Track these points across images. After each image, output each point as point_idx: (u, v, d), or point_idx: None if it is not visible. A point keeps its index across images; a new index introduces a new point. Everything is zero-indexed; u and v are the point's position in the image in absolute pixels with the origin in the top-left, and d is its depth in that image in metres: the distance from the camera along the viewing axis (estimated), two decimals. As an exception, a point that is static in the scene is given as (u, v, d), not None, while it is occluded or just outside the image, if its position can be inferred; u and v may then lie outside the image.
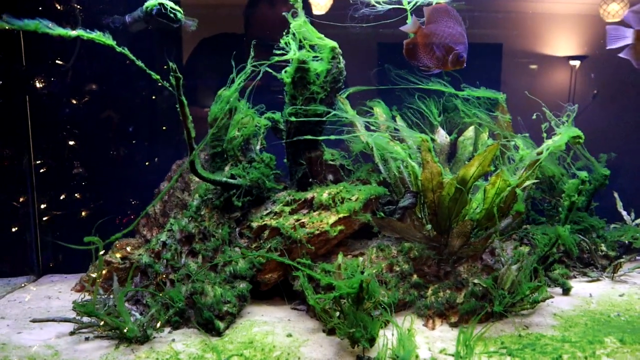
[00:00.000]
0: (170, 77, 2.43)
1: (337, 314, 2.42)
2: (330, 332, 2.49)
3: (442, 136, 3.24)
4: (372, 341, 2.30)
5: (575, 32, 4.40)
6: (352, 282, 2.27)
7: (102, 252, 2.98)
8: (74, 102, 3.62)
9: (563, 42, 4.39)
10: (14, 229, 3.43)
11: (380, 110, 3.22)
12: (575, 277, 3.18)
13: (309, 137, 2.88)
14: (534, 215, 3.45)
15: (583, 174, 2.73)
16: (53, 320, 2.56)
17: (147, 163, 3.76)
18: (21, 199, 3.43)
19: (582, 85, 4.39)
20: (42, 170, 3.49)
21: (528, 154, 2.69)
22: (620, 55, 3.00)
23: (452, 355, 2.33)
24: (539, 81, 4.45)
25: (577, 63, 4.38)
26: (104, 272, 3.07)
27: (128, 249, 3.10)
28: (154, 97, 3.83)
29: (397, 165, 3.04)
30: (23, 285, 3.30)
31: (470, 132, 3.29)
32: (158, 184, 3.47)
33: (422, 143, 2.67)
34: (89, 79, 3.57)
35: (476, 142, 3.28)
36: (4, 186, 3.38)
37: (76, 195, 3.68)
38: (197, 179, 3.25)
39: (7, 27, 2.00)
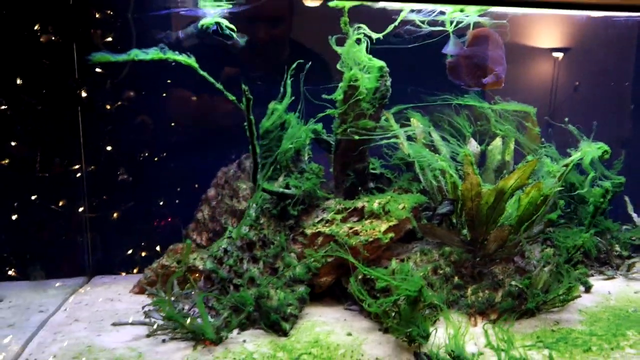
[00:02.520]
0: (243, 99, 2.63)
1: (393, 314, 2.69)
2: (386, 330, 2.76)
3: (473, 146, 3.51)
4: (426, 338, 2.58)
5: (559, 24, 4.55)
6: (413, 286, 2.54)
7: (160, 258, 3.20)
8: (119, 111, 3.78)
9: (546, 34, 4.56)
10: (67, 233, 3.60)
11: (417, 122, 3.46)
12: (593, 276, 3.51)
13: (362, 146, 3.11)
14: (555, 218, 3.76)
15: (607, 184, 3.04)
16: (132, 323, 2.77)
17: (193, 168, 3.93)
18: (73, 204, 3.60)
19: (564, 77, 4.57)
20: (91, 177, 3.66)
21: (558, 169, 2.96)
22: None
23: (497, 350, 2.63)
24: (523, 72, 4.55)
25: (560, 55, 4.53)
26: (159, 276, 3.29)
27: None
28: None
29: (434, 174, 3.29)
30: (80, 287, 3.48)
31: (498, 141, 3.57)
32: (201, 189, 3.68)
33: (465, 157, 2.93)
34: (137, 89, 3.72)
35: (504, 151, 3.56)
36: (57, 192, 3.54)
37: (120, 200, 3.86)
38: (244, 187, 3.48)
39: (109, 60, 2.18)
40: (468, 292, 3.01)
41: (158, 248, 3.88)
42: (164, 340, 2.70)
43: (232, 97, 2.59)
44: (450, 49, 2.95)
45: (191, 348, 2.62)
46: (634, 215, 3.78)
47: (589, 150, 2.88)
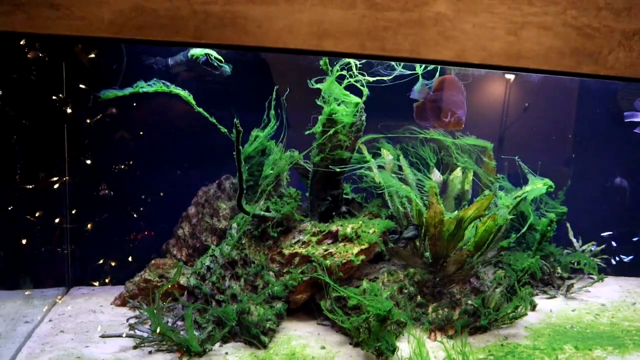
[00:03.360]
0: (234, 130, 2.86)
1: (363, 330, 2.97)
2: (356, 344, 3.04)
3: (436, 175, 3.86)
4: (393, 352, 2.88)
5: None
6: (384, 306, 2.83)
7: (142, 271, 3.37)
8: (94, 125, 3.91)
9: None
10: (47, 245, 3.70)
11: (386, 152, 3.78)
12: (537, 295, 3.92)
13: (334, 176, 3.39)
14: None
15: (552, 216, 3.44)
16: (120, 335, 2.94)
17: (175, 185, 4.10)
18: (54, 216, 3.71)
19: (515, 98, 4.78)
20: (72, 190, 3.78)
21: (512, 202, 3.34)
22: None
23: (454, 363, 2.96)
24: (476, 94, 4.69)
25: (512, 77, 4.74)
26: (141, 289, 3.46)
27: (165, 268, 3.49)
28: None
29: (401, 201, 3.61)
30: (60, 298, 3.60)
31: (458, 172, 3.93)
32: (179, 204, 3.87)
33: (430, 189, 3.27)
34: (123, 108, 3.87)
35: (464, 180, 3.93)
36: (39, 204, 3.64)
37: (97, 214, 3.98)
38: (223, 206, 3.69)
39: (117, 95, 2.37)
40: (429, 309, 3.34)
41: (132, 260, 4.02)
42: (150, 352, 2.88)
43: (223, 130, 2.82)
44: (417, 94, 3.29)
45: (177, 359, 2.82)
46: (574, 240, 4.23)
47: (536, 186, 3.28)
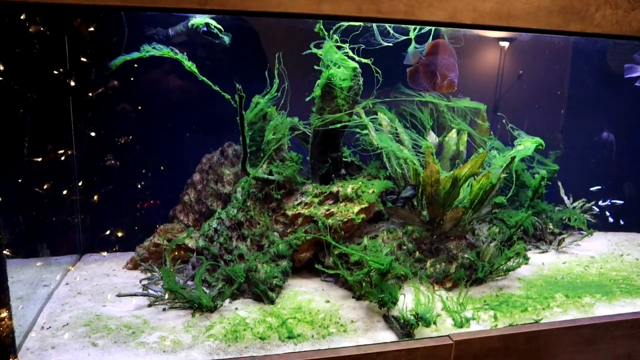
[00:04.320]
0: (236, 96, 2.97)
1: (365, 284, 3.14)
2: (359, 298, 3.22)
3: (432, 137, 3.99)
4: (395, 303, 3.05)
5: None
6: (384, 261, 3.00)
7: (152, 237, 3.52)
8: (104, 99, 4.00)
9: None
10: (59, 214, 3.84)
11: (384, 115, 3.90)
12: (530, 250, 4.10)
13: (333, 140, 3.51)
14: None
15: (543, 172, 3.59)
16: (135, 294, 3.11)
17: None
18: (64, 188, 3.84)
19: (509, 66, 4.87)
20: (80, 162, 3.90)
21: (505, 161, 3.48)
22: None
23: (451, 312, 3.14)
24: (470, 62, 4.76)
25: (506, 44, 4.81)
26: (151, 253, 3.61)
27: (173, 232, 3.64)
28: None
29: (398, 162, 3.75)
30: (74, 264, 3.75)
31: (453, 133, 4.06)
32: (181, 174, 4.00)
33: (427, 149, 3.40)
34: (128, 78, 3.95)
35: (458, 142, 4.06)
36: (50, 176, 3.76)
37: (106, 184, 4.11)
38: (227, 172, 3.82)
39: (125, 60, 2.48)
40: (427, 264, 3.51)
41: (139, 229, 4.15)
42: (164, 309, 3.05)
43: (227, 96, 2.92)
44: (409, 59, 3.38)
45: (190, 315, 2.99)
46: (565, 197, 4.40)
47: (527, 144, 3.42)
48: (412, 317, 2.93)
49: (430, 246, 3.62)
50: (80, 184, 3.98)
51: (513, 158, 3.50)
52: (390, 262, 2.99)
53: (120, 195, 4.17)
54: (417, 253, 3.52)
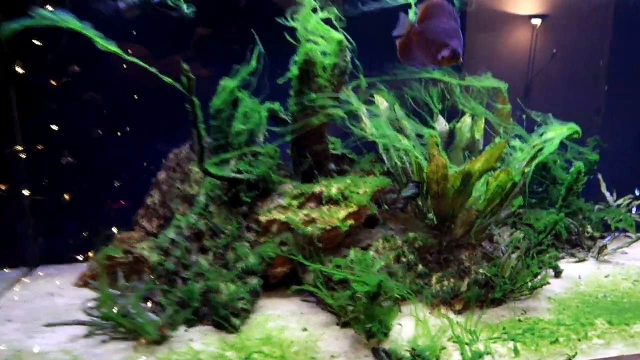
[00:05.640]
0: (182, 78, 2.36)
1: (351, 308, 2.51)
2: (344, 325, 2.59)
3: (441, 124, 3.30)
4: (386, 334, 2.41)
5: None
6: (372, 280, 2.36)
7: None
8: (57, 86, 3.47)
9: (525, 1, 4.44)
10: (5, 220, 3.33)
11: (381, 99, 3.23)
12: (564, 258, 3.38)
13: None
14: (527, 198, 3.60)
15: (579, 165, 2.87)
16: (65, 324, 2.55)
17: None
18: (13, 188, 3.33)
19: (542, 44, 4.49)
20: (29, 158, 3.38)
21: (529, 153, 2.78)
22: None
23: (460, 343, 2.48)
24: (501, 40, 4.50)
25: (538, 22, 4.45)
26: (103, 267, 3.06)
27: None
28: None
29: (399, 155, 3.08)
30: (19, 279, 3.24)
31: (467, 119, 3.36)
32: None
33: (430, 138, 2.72)
34: (76, 62, 3.41)
35: (473, 129, 3.36)
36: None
37: (66, 183, 3.59)
38: (196, 170, 3.23)
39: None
40: (433, 280, 2.85)
41: (102, 234, 3.63)
42: (104, 341, 2.49)
43: (169, 80, 2.33)
44: (398, 30, 2.65)
45: (132, 349, 2.41)
46: (607, 194, 3.64)
47: (559, 131, 2.70)
48: (408, 354, 2.30)
49: (438, 257, 2.96)
50: (35, 183, 3.47)
51: (540, 150, 2.79)
52: (379, 283, 2.35)
53: (83, 196, 3.65)
54: (420, 266, 2.86)
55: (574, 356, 2.37)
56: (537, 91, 4.42)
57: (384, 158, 3.10)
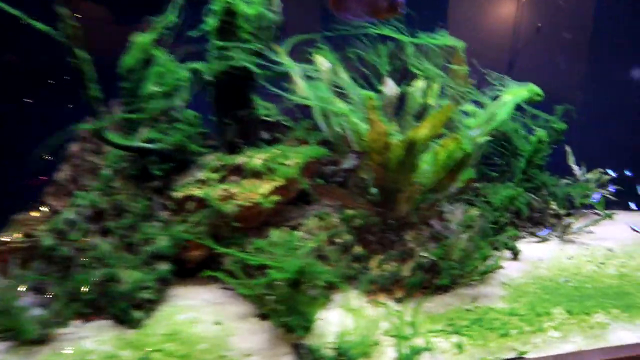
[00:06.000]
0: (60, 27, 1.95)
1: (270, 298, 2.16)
2: (265, 316, 2.24)
3: (390, 87, 2.92)
4: (308, 329, 2.08)
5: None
6: (290, 266, 2.00)
7: None
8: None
9: None
10: None
11: (322, 60, 2.83)
12: (525, 238, 3.05)
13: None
14: (486, 171, 3.25)
15: (541, 133, 2.51)
16: None
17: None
18: None
19: (527, 18, 4.23)
20: None
21: (485, 118, 2.41)
22: None
23: (398, 337, 2.15)
24: (485, 14, 4.27)
25: None
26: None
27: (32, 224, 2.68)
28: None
29: (339, 121, 2.71)
30: None
31: (420, 82, 2.98)
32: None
33: (368, 101, 2.35)
34: None
35: (426, 93, 2.98)
36: None
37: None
38: (111, 139, 2.82)
39: None
40: (373, 264, 2.50)
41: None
42: (-20, 339, 2.12)
43: (42, 27, 1.91)
44: None
45: (9, 351, 2.05)
46: (575, 167, 3.30)
47: (517, 94, 2.33)
48: (331, 353, 1.96)
49: (382, 237, 2.61)
50: None
51: (495, 114, 2.43)
52: (298, 269, 2.00)
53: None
54: (358, 248, 2.51)
55: (524, 353, 2.05)
56: (521, 65, 4.13)
57: (321, 126, 2.72)
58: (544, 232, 2.90)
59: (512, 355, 2.05)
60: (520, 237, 2.98)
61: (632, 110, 4.23)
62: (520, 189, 2.51)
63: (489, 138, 2.64)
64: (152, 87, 2.51)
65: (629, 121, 4.24)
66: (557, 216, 3.11)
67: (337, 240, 2.48)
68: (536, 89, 2.36)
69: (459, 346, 2.09)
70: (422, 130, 2.33)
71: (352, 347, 2.01)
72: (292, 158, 2.47)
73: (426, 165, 2.56)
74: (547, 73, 4.07)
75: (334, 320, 2.21)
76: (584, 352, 2.05)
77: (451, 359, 2.04)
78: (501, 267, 2.49)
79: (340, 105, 2.48)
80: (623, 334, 2.19)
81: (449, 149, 2.42)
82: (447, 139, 2.36)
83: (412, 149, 2.39)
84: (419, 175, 2.56)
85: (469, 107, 2.56)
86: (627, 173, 3.43)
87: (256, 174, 2.44)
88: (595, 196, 2.92)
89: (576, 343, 2.13)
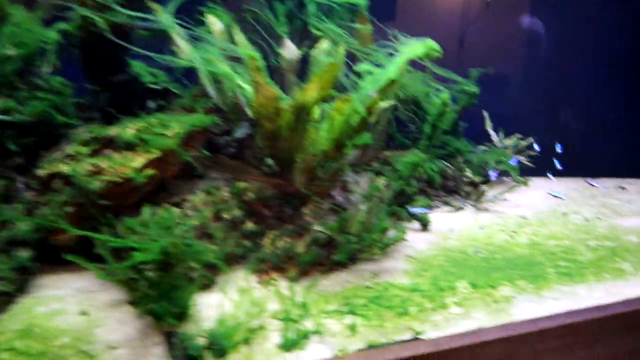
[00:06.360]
0: None
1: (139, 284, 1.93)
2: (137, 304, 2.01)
3: (290, 49, 2.68)
4: (181, 317, 1.86)
5: None
6: (154, 247, 1.77)
7: None
8: None
9: None
10: None
11: (214, 19, 2.57)
12: (438, 207, 2.91)
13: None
14: (400, 139, 3.08)
15: (445, 95, 2.34)
16: None
17: None
18: None
19: None
20: None
21: (377, 78, 2.21)
22: None
23: (286, 320, 1.96)
24: None
25: None
26: None
27: None
28: None
29: (232, 87, 2.46)
30: None
31: (324, 44, 2.75)
32: None
33: (250, 61, 2.11)
34: None
35: (332, 56, 2.76)
36: None
37: None
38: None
39: None
40: (267, 241, 2.30)
41: None
42: None
43: None
44: None
45: None
46: (492, 132, 3.16)
47: (413, 50, 2.13)
48: (201, 341, 1.76)
49: (280, 211, 2.40)
50: None
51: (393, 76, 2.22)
52: (162, 250, 1.77)
53: None
54: (250, 224, 2.30)
55: (420, 333, 1.89)
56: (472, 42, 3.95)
57: (211, 92, 2.47)
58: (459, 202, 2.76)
59: (408, 336, 1.89)
60: (433, 206, 2.83)
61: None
62: (424, 155, 2.33)
63: (392, 102, 2.45)
64: (5, 50, 2.19)
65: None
66: (473, 184, 2.98)
67: (225, 216, 2.26)
68: (433, 44, 2.18)
69: (352, 328, 1.92)
70: (310, 93, 2.11)
71: (226, 334, 1.81)
72: (172, 128, 2.22)
73: (323, 132, 2.36)
74: (497, 48, 3.90)
75: (217, 304, 2.01)
76: (481, 332, 1.91)
77: (341, 342, 1.86)
78: (404, 239, 2.33)
79: (224, 67, 2.23)
80: (528, 307, 2.06)
81: (343, 113, 2.22)
82: (338, 101, 2.16)
83: (302, 113, 2.18)
84: (315, 143, 2.35)
85: (365, 66, 2.35)
86: (558, 149, 3.29)
87: (130, 147, 2.17)
88: (512, 161, 2.80)
89: (478, 319, 1.99)
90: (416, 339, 1.86)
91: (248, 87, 2.25)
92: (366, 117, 2.24)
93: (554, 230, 2.67)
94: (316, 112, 2.25)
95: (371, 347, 1.81)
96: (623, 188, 3.38)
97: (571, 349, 1.96)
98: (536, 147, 3.01)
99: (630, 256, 2.47)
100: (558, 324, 1.93)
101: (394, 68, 2.13)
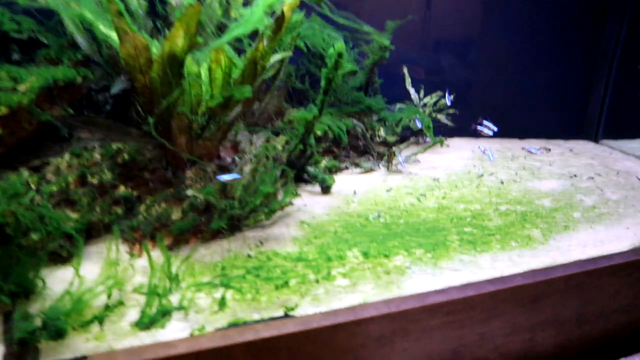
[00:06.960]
0: None
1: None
2: (-21, 280, 1.79)
3: (178, -5, 2.40)
4: (22, 294, 1.65)
5: None
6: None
7: None
8: None
9: None
10: None
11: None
12: (347, 169, 2.72)
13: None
14: (314, 95, 2.86)
15: (339, 45, 2.11)
16: None
17: None
18: None
19: None
20: None
21: (253, 16, 1.96)
22: None
23: (149, 294, 1.77)
24: None
25: None
26: None
27: None
28: None
29: (101, 35, 2.18)
30: None
31: (217, -11, 2.48)
32: None
33: (109, 5, 1.84)
34: None
35: (228, 4, 2.49)
36: None
37: None
38: None
39: None
40: (142, 207, 2.08)
41: None
42: None
43: None
44: None
45: None
46: (412, 90, 2.96)
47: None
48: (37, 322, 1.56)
49: (163, 176, 2.18)
50: None
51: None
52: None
53: None
54: (121, 188, 2.07)
55: (292, 309, 1.72)
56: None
57: (80, 41, 2.19)
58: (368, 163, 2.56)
59: (281, 311, 1.72)
60: (341, 168, 2.64)
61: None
62: (315, 110, 2.12)
63: (288, 54, 2.21)
64: None
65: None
66: (386, 144, 2.79)
67: (92, 180, 2.03)
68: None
69: (222, 302, 1.74)
70: (176, 40, 1.86)
71: (69, 312, 1.61)
72: (25, 82, 1.95)
73: (205, 87, 2.12)
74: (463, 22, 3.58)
75: (72, 280, 1.80)
76: (365, 307, 1.75)
77: (205, 319, 1.68)
78: (291, 203, 2.14)
79: (82, 10, 1.95)
80: (421, 280, 1.90)
81: (221, 64, 1.98)
82: (212, 50, 1.91)
83: (173, 64, 1.93)
84: (195, 98, 2.12)
85: (242, 11, 2.10)
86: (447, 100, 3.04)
87: (-29, 103, 1.91)
88: (417, 122, 2.61)
89: (364, 293, 1.82)
90: (286, 315, 1.70)
91: (113, 35, 1.99)
92: (250, 68, 2.01)
93: (465, 193, 2.52)
94: (192, 64, 2.00)
95: (232, 325, 1.64)
96: (548, 149, 3.24)
97: (464, 324, 1.82)
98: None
99: (541, 222, 2.33)
100: (449, 299, 1.78)
101: (257, 11, 1.89)
